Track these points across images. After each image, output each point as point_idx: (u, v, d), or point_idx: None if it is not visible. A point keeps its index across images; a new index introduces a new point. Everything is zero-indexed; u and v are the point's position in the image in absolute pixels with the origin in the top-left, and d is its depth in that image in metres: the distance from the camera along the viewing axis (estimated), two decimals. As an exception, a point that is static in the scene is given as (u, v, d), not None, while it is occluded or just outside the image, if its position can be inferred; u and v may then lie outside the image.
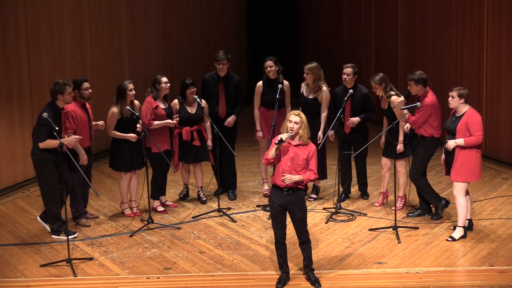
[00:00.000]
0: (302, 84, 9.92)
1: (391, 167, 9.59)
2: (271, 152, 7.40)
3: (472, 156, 8.41)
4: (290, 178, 7.35)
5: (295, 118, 7.38)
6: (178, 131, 9.79)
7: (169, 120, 9.51)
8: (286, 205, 7.44)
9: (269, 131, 9.89)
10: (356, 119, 9.66)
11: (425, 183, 9.21)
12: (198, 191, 10.23)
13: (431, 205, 9.36)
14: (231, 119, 10.09)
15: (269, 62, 9.92)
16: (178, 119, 9.68)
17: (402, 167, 9.43)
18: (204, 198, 10.14)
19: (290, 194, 7.41)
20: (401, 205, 9.63)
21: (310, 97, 9.80)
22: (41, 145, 8.60)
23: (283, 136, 7.35)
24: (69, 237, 8.56)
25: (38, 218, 9.25)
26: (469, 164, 8.42)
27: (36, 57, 11.03)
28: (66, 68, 11.57)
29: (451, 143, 8.42)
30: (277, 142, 7.33)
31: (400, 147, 9.23)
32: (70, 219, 9.23)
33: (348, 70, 9.64)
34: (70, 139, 8.71)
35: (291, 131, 7.37)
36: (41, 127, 8.57)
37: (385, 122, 9.59)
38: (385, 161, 9.63)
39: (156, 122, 9.42)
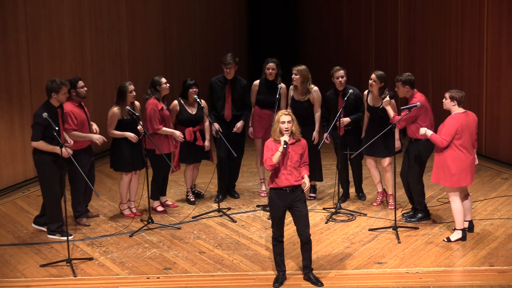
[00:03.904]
0: (291, 87, 9.88)
1: (377, 164, 9.65)
2: (276, 157, 7.34)
3: (447, 160, 8.37)
4: (307, 185, 7.45)
5: (287, 118, 7.38)
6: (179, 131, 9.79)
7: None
8: (291, 204, 7.43)
9: (262, 130, 9.90)
10: (346, 120, 9.64)
11: (421, 190, 9.19)
12: (193, 189, 10.22)
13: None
14: (240, 124, 9.99)
15: (271, 64, 9.89)
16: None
17: (388, 163, 9.45)
18: (193, 199, 10.11)
19: (293, 191, 7.42)
20: (393, 202, 9.58)
21: (301, 100, 9.77)
22: (34, 144, 8.52)
23: (286, 138, 7.33)
24: (65, 238, 8.55)
25: (33, 225, 9.18)
26: (444, 168, 8.41)
27: (36, 57, 11.03)
28: (66, 68, 11.57)
29: (422, 130, 8.51)
30: (284, 146, 7.31)
31: (398, 144, 9.27)
32: (70, 219, 9.23)
33: (341, 72, 9.60)
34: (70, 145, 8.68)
35: (286, 131, 7.37)
36: (34, 125, 8.50)
37: (366, 118, 9.61)
38: (369, 160, 9.65)
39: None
